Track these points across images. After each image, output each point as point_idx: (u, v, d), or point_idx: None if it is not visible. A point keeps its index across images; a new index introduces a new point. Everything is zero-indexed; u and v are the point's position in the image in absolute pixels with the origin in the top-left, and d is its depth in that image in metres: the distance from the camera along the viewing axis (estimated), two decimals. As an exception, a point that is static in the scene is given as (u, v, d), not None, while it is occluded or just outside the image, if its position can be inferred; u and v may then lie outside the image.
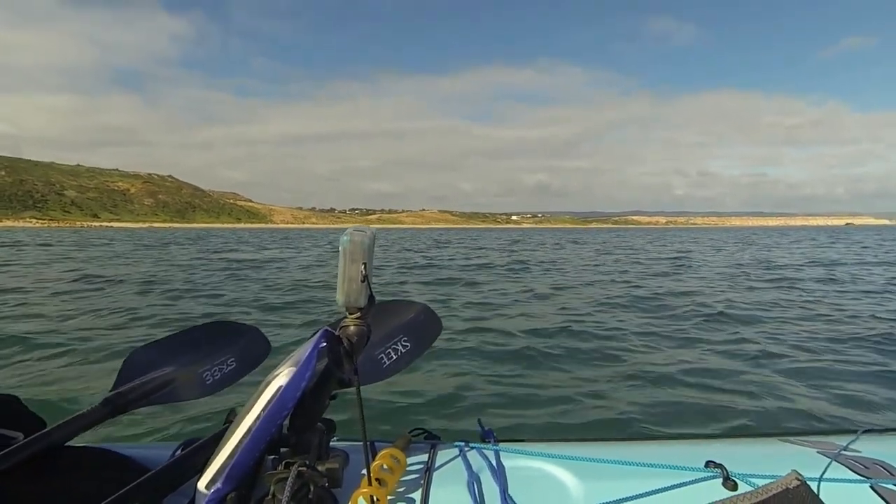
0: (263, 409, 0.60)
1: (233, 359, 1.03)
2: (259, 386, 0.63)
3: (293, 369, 0.61)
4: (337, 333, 0.69)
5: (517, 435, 0.96)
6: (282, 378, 0.61)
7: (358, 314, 0.72)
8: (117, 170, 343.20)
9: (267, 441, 0.62)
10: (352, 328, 0.71)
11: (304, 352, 0.63)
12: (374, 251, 0.74)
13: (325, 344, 0.66)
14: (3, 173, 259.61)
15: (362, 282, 0.70)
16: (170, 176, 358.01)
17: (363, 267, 0.69)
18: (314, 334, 0.66)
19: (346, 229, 0.72)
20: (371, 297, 0.72)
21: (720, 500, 0.41)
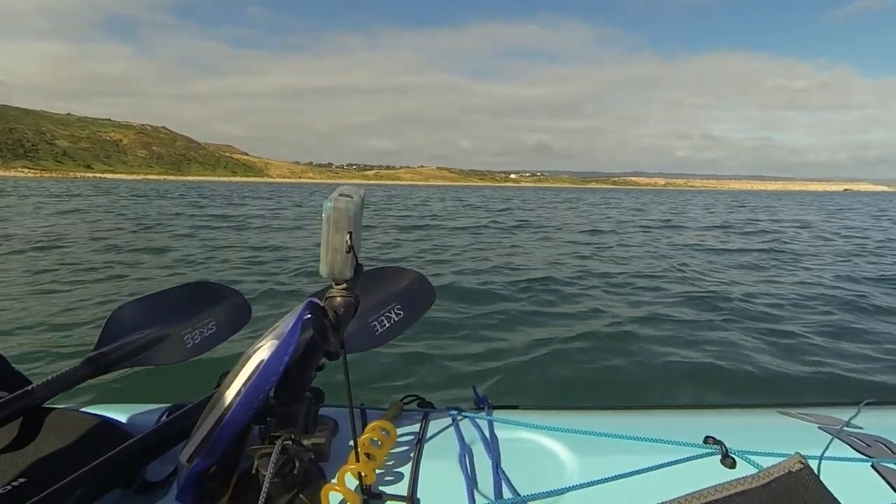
0: (244, 384, 0.58)
1: (213, 322, 1.02)
2: (241, 358, 0.61)
3: (276, 342, 0.59)
4: (322, 304, 0.67)
5: (512, 401, 0.95)
6: (264, 351, 0.59)
7: (345, 285, 0.69)
8: (109, 120, 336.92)
9: (249, 415, 0.60)
10: (338, 299, 0.69)
11: (287, 324, 0.61)
12: (363, 214, 0.70)
13: (309, 315, 0.63)
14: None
15: (347, 252, 0.66)
16: (164, 127, 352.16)
17: (348, 236, 0.65)
18: (299, 305, 0.64)
19: (330, 194, 0.68)
20: (358, 268, 0.69)
21: (720, 484, 0.41)
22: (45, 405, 0.75)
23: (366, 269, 0.78)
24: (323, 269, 0.68)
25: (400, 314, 0.94)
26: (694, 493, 0.41)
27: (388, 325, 0.92)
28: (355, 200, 0.67)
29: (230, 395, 0.58)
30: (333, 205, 0.66)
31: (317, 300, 0.66)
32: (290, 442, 0.61)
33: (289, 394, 0.66)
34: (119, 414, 0.82)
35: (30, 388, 0.73)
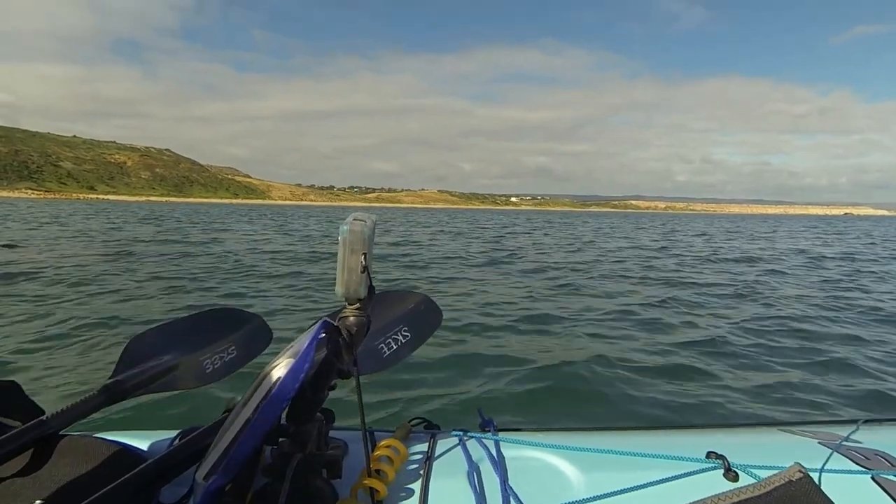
0: (262, 401, 0.59)
1: (234, 347, 1.02)
2: (257, 377, 0.62)
3: (292, 360, 0.61)
4: (336, 324, 0.69)
5: (517, 424, 0.96)
6: (280, 369, 0.60)
7: (358, 305, 0.71)
8: (114, 142, 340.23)
9: (265, 432, 0.61)
10: (351, 319, 0.71)
11: (302, 343, 0.62)
12: (374, 238, 0.73)
13: (324, 335, 0.65)
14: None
15: (362, 272, 0.69)
16: (167, 150, 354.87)
17: (363, 257, 0.69)
18: (313, 325, 0.66)
19: (345, 218, 0.70)
20: (371, 288, 0.72)
21: (723, 493, 0.41)
22: (59, 433, 0.75)
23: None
24: (339, 289, 0.70)
25: (407, 336, 0.96)
26: (696, 502, 0.41)
27: (395, 347, 0.94)
28: (368, 224, 0.71)
29: (247, 412, 0.59)
30: (350, 227, 0.69)
31: (330, 320, 0.68)
32: (303, 459, 0.63)
33: (302, 413, 0.67)
34: (132, 440, 0.82)
35: (44, 417, 0.73)
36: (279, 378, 0.60)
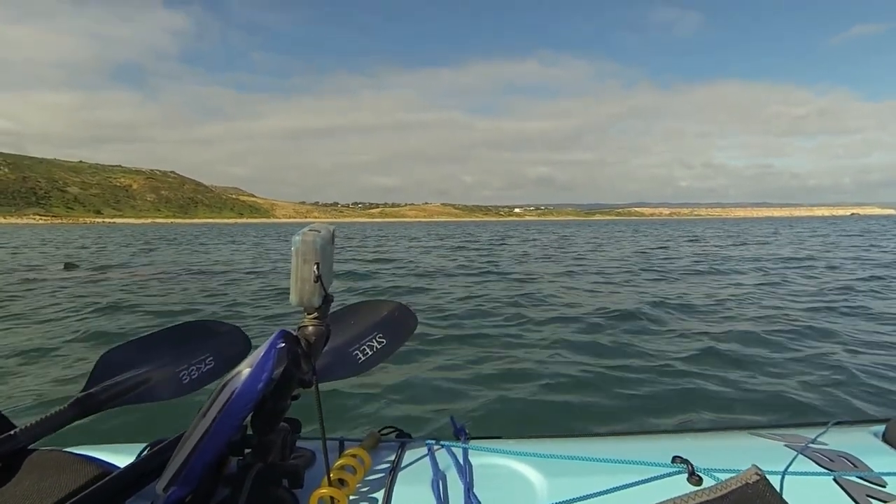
0: (220, 412, 0.60)
1: (211, 357, 1.01)
2: (216, 388, 0.62)
3: (249, 370, 0.61)
4: (295, 334, 0.70)
5: (491, 431, 0.96)
6: (237, 380, 0.61)
7: (315, 314, 0.72)
8: (119, 166, 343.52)
9: (224, 443, 0.61)
10: (310, 328, 0.72)
11: (259, 353, 0.63)
12: (334, 249, 0.73)
13: (282, 344, 0.66)
14: (6, 170, 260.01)
15: (315, 282, 0.69)
16: (172, 172, 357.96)
17: (316, 267, 0.69)
18: (272, 335, 0.66)
19: (299, 229, 0.71)
20: (327, 297, 0.72)
21: (679, 497, 0.42)
22: (28, 448, 0.74)
23: (348, 303, 0.85)
24: (293, 298, 0.71)
25: (382, 342, 0.97)
26: None
27: (370, 353, 0.95)
28: (322, 234, 0.71)
29: (205, 423, 0.60)
30: (301, 238, 0.70)
31: (289, 329, 0.68)
32: (264, 469, 0.63)
33: (264, 423, 0.67)
34: (102, 453, 0.81)
35: (12, 432, 0.72)
36: (236, 389, 0.60)
